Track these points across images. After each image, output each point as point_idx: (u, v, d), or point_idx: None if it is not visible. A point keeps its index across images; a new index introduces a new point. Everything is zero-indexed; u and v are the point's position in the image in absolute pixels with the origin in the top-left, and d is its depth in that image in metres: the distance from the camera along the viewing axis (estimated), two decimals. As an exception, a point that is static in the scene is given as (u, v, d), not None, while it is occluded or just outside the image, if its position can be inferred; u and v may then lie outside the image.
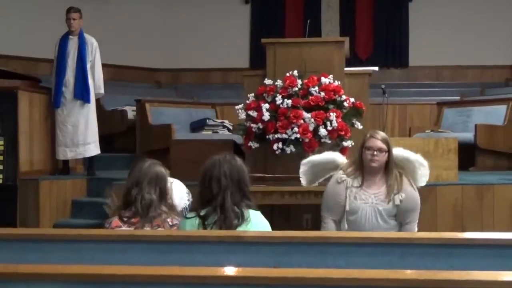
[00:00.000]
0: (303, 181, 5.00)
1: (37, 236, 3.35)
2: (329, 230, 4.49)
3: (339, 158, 4.79)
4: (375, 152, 4.38)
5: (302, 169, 4.97)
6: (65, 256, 3.17)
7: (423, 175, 4.61)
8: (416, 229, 4.55)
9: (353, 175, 4.50)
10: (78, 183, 7.56)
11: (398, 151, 4.54)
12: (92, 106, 7.57)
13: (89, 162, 7.76)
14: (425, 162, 4.59)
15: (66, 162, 7.74)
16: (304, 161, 5.02)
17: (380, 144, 4.39)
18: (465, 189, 6.26)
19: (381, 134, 4.48)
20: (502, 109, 8.69)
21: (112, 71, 10.93)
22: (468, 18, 12.14)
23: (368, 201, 4.44)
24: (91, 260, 3.04)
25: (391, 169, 4.44)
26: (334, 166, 4.74)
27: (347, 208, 4.43)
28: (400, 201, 4.41)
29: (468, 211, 6.21)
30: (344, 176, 4.50)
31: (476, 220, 6.17)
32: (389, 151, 4.42)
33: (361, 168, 4.48)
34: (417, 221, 4.55)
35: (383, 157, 4.40)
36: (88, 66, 7.48)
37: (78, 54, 7.48)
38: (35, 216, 7.05)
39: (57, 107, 7.49)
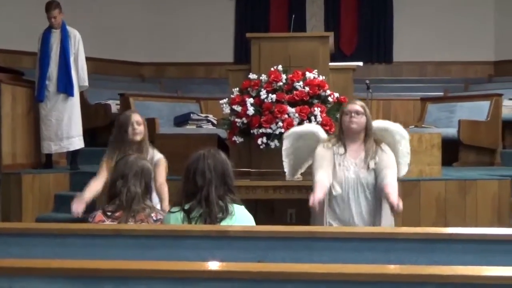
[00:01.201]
0: (284, 157, 5.08)
1: (19, 230, 3.33)
2: (322, 180, 4.52)
3: (321, 132, 4.94)
4: (353, 114, 4.57)
5: (285, 145, 5.07)
6: (48, 250, 3.15)
7: (405, 155, 4.79)
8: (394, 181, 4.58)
9: (336, 145, 4.66)
10: (61, 177, 7.51)
11: (377, 123, 4.77)
12: (75, 99, 7.50)
13: (73, 156, 7.70)
14: (405, 134, 4.77)
15: (49, 156, 7.68)
16: (287, 133, 5.11)
17: (357, 107, 4.60)
18: (448, 184, 6.29)
19: (359, 101, 4.74)
20: (485, 105, 8.74)
21: (96, 65, 10.86)
22: (452, 14, 12.19)
23: (350, 168, 4.57)
24: (74, 255, 3.02)
25: (369, 135, 4.63)
26: (315, 140, 4.85)
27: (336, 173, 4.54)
28: (375, 164, 4.56)
29: (451, 206, 6.23)
30: (330, 144, 4.68)
31: (459, 215, 6.20)
32: (366, 115, 4.61)
33: (343, 137, 4.66)
34: (395, 171, 4.64)
35: (361, 119, 4.59)
36: (71, 59, 7.41)
37: (61, 47, 7.41)
38: (17, 210, 6.99)
39: (41, 101, 7.42)
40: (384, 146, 4.65)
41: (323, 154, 4.64)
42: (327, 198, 4.53)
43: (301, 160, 5.09)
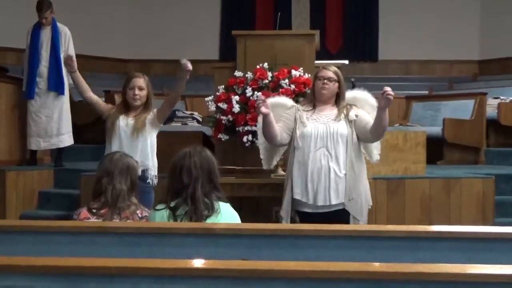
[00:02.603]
0: (259, 137, 5.03)
1: (2, 228, 3.30)
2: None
3: (290, 101, 4.96)
4: (325, 81, 4.61)
5: (259, 122, 5.02)
6: (32, 248, 3.13)
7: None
8: None
9: (305, 106, 4.74)
10: (45, 174, 7.48)
11: (347, 94, 4.77)
12: (66, 97, 7.46)
13: (58, 153, 7.67)
14: (373, 101, 4.75)
15: (34, 152, 7.64)
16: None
17: (330, 74, 4.64)
18: (432, 183, 6.31)
19: (333, 67, 4.74)
20: (470, 103, 8.79)
21: (80, 62, 10.78)
22: (437, 13, 12.24)
23: (320, 120, 4.60)
24: (59, 252, 3.00)
25: (341, 99, 4.67)
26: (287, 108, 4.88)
27: (298, 129, 4.57)
28: (356, 115, 4.59)
29: (435, 204, 6.26)
30: (294, 103, 4.81)
31: (443, 213, 6.23)
32: (339, 82, 4.66)
33: (314, 99, 4.71)
34: None
35: (333, 86, 4.64)
36: (62, 56, 7.35)
37: (52, 45, 7.35)
38: (1, 207, 6.94)
39: (31, 98, 7.36)
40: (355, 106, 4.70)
41: (285, 113, 4.76)
42: (292, 153, 4.61)
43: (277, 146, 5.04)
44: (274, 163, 5.15)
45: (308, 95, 4.92)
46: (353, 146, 4.57)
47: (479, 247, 3.07)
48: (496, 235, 3.16)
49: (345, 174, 4.50)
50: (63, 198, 7.10)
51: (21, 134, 7.58)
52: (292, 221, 4.59)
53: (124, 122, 5.05)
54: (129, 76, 5.24)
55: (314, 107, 4.68)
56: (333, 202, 4.48)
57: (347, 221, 4.45)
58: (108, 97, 8.84)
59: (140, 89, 5.10)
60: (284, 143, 4.72)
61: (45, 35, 7.38)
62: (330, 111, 4.65)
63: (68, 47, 7.41)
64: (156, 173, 5.12)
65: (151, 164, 5.09)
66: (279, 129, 4.66)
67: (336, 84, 4.65)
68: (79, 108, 9.25)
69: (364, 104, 4.77)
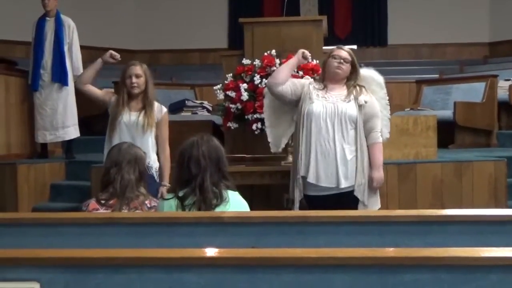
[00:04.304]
0: (266, 119, 5.09)
1: (12, 220, 3.31)
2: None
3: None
4: (341, 61, 4.60)
5: (266, 101, 5.06)
6: (41, 240, 3.14)
7: (384, 106, 4.79)
8: (381, 139, 4.66)
9: (317, 84, 4.73)
10: (57, 167, 7.50)
11: None
12: (70, 88, 7.45)
13: (68, 145, 7.68)
14: (382, 81, 4.79)
15: (44, 145, 7.66)
16: (266, 89, 5.10)
17: (345, 54, 4.64)
18: (444, 167, 6.27)
19: (347, 47, 4.76)
20: (480, 86, 8.73)
21: (89, 53, 10.81)
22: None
23: (329, 99, 4.57)
24: (68, 244, 3.01)
25: (353, 80, 4.66)
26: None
27: (306, 104, 4.58)
28: (365, 101, 4.56)
29: (447, 188, 6.22)
30: (311, 79, 4.85)
31: (455, 197, 6.19)
32: (352, 63, 4.64)
33: (325, 78, 4.70)
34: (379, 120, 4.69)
35: (347, 67, 4.62)
36: (66, 48, 7.37)
37: (55, 37, 7.36)
38: (13, 201, 6.97)
39: (35, 90, 7.38)
40: (366, 89, 4.69)
41: (298, 79, 4.86)
42: (299, 132, 4.60)
43: (283, 123, 5.04)
44: (282, 145, 5.11)
45: (320, 75, 4.88)
46: (362, 129, 4.53)
47: (491, 230, 3.05)
48: (508, 217, 3.13)
49: (355, 157, 4.47)
50: (75, 190, 7.11)
51: (31, 127, 7.59)
52: (302, 206, 4.56)
53: (127, 118, 5.03)
54: (126, 66, 5.22)
55: (325, 85, 4.67)
56: (342, 185, 4.45)
57: (354, 203, 4.42)
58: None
59: (138, 76, 5.08)
60: (283, 94, 4.70)
61: (49, 27, 7.39)
62: (340, 91, 4.63)
63: (73, 39, 7.42)
64: (157, 166, 5.11)
65: (153, 159, 5.07)
66: (289, 82, 4.73)
67: (349, 66, 4.63)
68: (89, 100, 9.25)
69: (370, 83, 4.76)
